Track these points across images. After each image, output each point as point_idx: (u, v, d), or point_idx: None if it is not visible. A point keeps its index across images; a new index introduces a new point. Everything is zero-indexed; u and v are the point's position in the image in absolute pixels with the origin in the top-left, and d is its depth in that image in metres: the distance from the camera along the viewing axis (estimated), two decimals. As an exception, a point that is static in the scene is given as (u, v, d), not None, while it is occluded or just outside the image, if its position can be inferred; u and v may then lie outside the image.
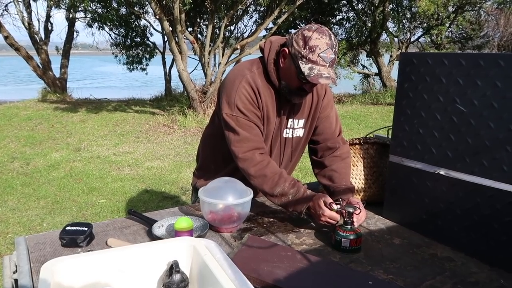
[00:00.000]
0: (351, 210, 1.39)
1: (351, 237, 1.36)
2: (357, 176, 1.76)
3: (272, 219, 1.63)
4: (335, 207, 1.45)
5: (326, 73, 1.43)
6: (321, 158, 1.76)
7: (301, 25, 13.37)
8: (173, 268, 1.02)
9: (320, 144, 1.77)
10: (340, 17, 13.31)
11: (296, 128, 1.69)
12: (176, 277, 1.02)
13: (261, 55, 1.64)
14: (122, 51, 12.43)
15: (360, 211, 1.46)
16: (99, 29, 11.59)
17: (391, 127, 1.61)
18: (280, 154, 1.74)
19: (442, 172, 1.42)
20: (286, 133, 1.68)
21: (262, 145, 1.59)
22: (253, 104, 1.56)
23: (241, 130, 1.54)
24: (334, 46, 1.44)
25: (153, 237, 1.42)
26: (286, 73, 1.52)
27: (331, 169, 1.69)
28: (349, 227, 1.38)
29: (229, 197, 1.47)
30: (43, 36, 11.88)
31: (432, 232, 1.48)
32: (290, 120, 1.66)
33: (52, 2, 9.93)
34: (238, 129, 1.55)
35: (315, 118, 1.73)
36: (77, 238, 1.35)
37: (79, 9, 10.61)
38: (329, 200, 1.47)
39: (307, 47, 1.41)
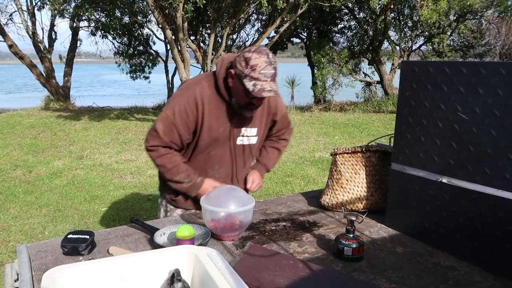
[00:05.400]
0: (353, 218, 1.39)
1: (354, 246, 1.35)
2: (359, 184, 1.76)
3: (274, 228, 1.63)
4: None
5: (269, 87, 1.58)
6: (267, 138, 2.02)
7: (302, 33, 13.44)
8: (175, 276, 1.02)
9: (274, 133, 2.02)
10: (342, 25, 13.38)
11: (249, 136, 1.84)
12: (178, 285, 1.02)
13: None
14: (125, 60, 12.50)
15: (362, 220, 1.46)
16: (102, 37, 11.68)
17: (393, 135, 1.61)
18: (234, 159, 1.86)
19: (444, 180, 1.41)
20: (240, 140, 1.83)
21: (172, 146, 1.75)
22: (189, 115, 1.70)
23: (162, 130, 1.70)
24: (273, 62, 1.60)
25: (154, 245, 1.42)
26: (235, 91, 1.67)
27: (268, 146, 2.02)
28: (351, 235, 1.38)
29: (231, 205, 1.47)
30: (47, 45, 11.98)
31: (434, 240, 1.47)
32: (243, 129, 1.81)
33: (56, 11, 10.03)
34: (160, 128, 1.70)
35: (267, 126, 1.91)
36: (78, 246, 1.35)
37: (83, 18, 10.71)
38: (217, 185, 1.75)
39: (249, 66, 1.57)
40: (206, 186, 1.77)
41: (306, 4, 8.24)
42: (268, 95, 1.59)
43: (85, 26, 12.05)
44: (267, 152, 2.03)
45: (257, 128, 1.84)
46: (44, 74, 11.64)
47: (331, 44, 12.56)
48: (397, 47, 12.34)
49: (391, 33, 12.11)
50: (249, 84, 1.57)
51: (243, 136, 1.82)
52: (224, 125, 1.75)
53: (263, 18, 11.27)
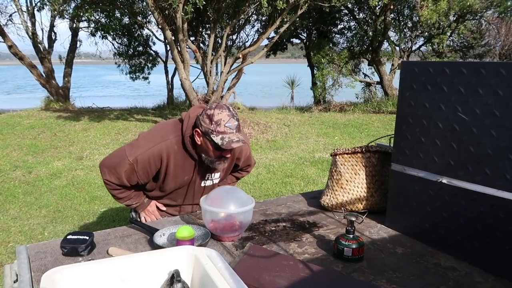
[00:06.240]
0: (353, 218, 1.39)
1: (354, 246, 1.35)
2: (359, 185, 1.76)
3: (274, 228, 1.63)
4: None
5: (236, 138, 1.64)
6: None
7: (302, 34, 13.44)
8: (174, 277, 1.01)
9: (237, 169, 2.09)
10: (342, 26, 13.37)
11: (213, 179, 1.93)
12: (177, 286, 1.02)
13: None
14: (125, 60, 12.49)
15: (362, 221, 1.46)
16: (102, 38, 11.66)
17: (393, 135, 1.61)
18: (200, 196, 1.90)
19: (444, 180, 1.41)
20: (204, 183, 1.92)
21: (127, 186, 1.80)
22: (151, 167, 1.75)
23: (123, 173, 1.73)
24: (234, 115, 1.67)
25: (154, 246, 1.42)
26: (205, 148, 1.72)
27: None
28: (351, 236, 1.37)
29: (230, 205, 1.47)
30: (46, 46, 11.96)
31: (435, 241, 1.47)
32: (208, 174, 1.89)
33: (56, 12, 10.04)
34: (121, 170, 1.73)
35: (230, 169, 1.99)
36: (78, 247, 1.35)
37: (83, 18, 10.70)
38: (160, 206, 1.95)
39: (213, 122, 1.63)
40: (152, 204, 1.94)
41: (306, 5, 8.23)
42: (237, 146, 1.64)
43: (84, 27, 12.03)
44: (226, 178, 2.10)
45: (220, 173, 1.93)
46: (44, 75, 11.64)
47: (331, 45, 12.56)
48: (397, 48, 12.33)
49: (391, 34, 12.10)
50: (217, 139, 1.63)
51: (207, 179, 1.91)
52: (189, 174, 1.83)
53: (263, 18, 11.25)
